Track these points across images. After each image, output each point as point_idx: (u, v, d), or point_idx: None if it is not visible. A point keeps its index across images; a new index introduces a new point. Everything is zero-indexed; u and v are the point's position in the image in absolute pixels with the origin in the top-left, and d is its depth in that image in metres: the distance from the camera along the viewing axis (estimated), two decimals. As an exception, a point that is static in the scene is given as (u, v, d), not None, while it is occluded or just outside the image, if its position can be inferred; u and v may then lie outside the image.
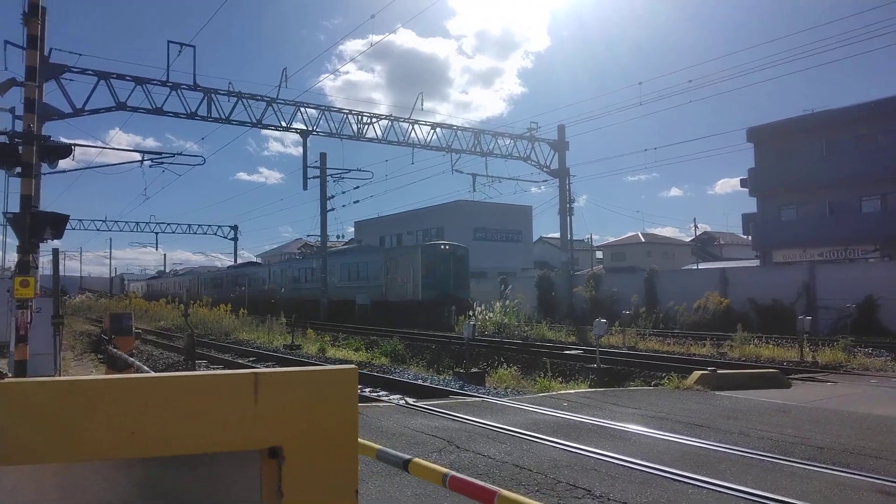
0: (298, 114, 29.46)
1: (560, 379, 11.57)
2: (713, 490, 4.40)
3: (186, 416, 1.25)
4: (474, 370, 12.19)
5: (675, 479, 4.65)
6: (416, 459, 2.23)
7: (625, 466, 5.02)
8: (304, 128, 30.20)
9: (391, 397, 9.59)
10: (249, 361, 15.66)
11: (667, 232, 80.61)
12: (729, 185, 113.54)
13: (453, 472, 2.04)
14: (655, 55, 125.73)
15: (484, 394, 9.45)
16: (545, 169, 38.07)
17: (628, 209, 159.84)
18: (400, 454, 2.27)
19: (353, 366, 1.50)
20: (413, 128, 31.88)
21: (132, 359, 6.56)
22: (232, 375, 1.31)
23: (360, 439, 2.75)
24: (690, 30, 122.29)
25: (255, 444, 1.31)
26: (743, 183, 38.97)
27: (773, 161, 36.75)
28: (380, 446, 2.45)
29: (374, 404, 8.21)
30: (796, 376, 10.39)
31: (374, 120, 31.28)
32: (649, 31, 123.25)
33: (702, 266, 42.87)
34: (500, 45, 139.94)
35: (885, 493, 4.35)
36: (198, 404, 1.26)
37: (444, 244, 32.08)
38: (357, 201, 44.88)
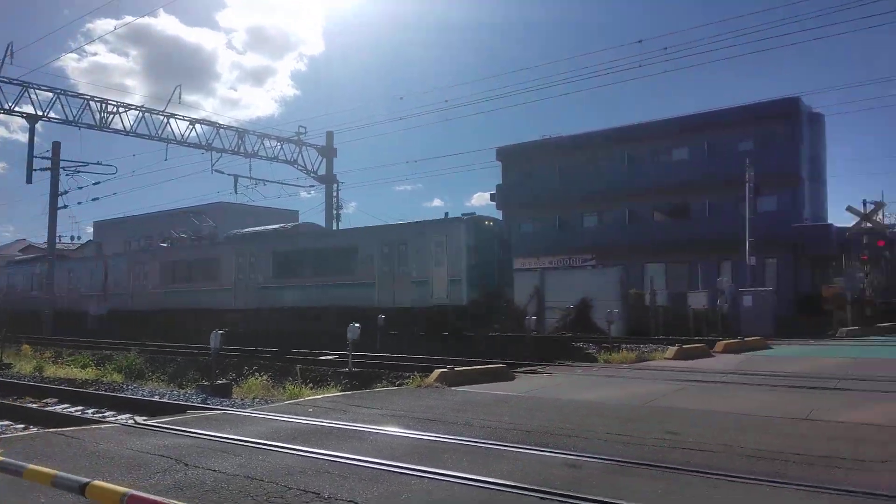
0: (27, 95, 25.42)
1: (311, 385, 11.56)
2: (433, 479, 4.77)
3: None
4: (220, 382, 11.61)
5: (401, 473, 4.94)
6: (95, 482, 2.06)
7: (358, 466, 5.20)
8: (33, 111, 26.15)
9: (118, 417, 8.71)
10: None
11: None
12: (483, 198, 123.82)
13: (133, 492, 1.94)
14: (419, 73, 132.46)
15: (227, 406, 9.05)
16: (312, 174, 37.89)
17: (395, 218, 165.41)
18: (77, 478, 2.08)
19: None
20: (169, 122, 29.46)
21: None
22: None
23: (39, 467, 2.46)
24: (449, 53, 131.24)
25: None
26: (492, 197, 42.91)
27: (516, 179, 41.06)
28: (57, 472, 2.22)
29: (94, 426, 7.37)
30: (521, 370, 11.71)
31: (122, 109, 28.26)
32: (415, 49, 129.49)
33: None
34: (274, 45, 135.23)
35: (571, 466, 5.11)
36: None
37: (488, 219, 21.52)
38: (97, 198, 39.53)
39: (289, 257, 24.01)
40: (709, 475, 4.75)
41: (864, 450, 5.46)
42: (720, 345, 15.77)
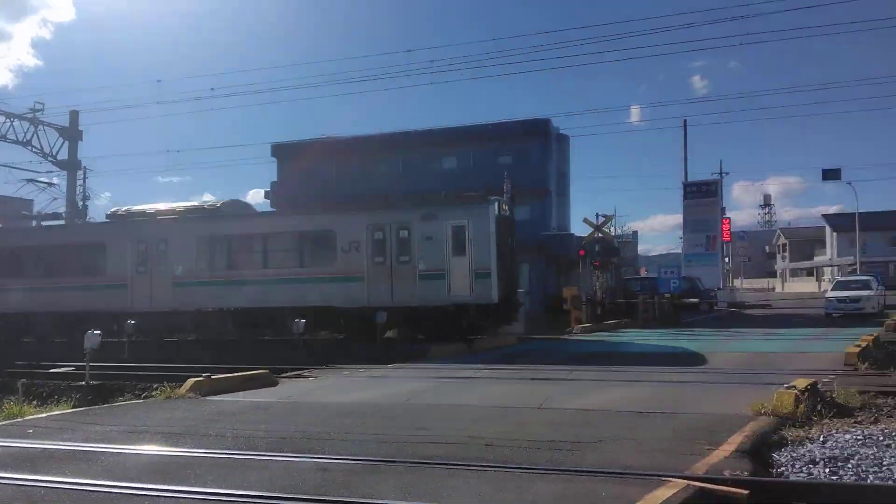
0: None
1: (37, 403, 10.03)
2: (172, 497, 4.42)
3: None
4: None
5: (134, 495, 4.51)
6: None
7: (83, 491, 4.64)
8: None
9: None
10: None
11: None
12: (260, 195, 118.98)
13: None
14: (185, 55, 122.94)
15: (-84, 434, 7.43)
16: (50, 158, 33.10)
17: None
18: None
19: None
20: None
21: None
22: None
23: None
24: (217, 37, 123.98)
25: None
26: (267, 195, 41.38)
27: (292, 176, 40.07)
28: None
29: None
30: (286, 374, 11.41)
31: None
32: (180, 31, 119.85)
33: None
34: (11, 5, 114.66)
35: (322, 470, 5.10)
36: None
37: (503, 200, 18.50)
38: None
39: (223, 244, 19.01)
40: (450, 466, 5.08)
41: (582, 433, 6.27)
42: (477, 343, 17.01)
